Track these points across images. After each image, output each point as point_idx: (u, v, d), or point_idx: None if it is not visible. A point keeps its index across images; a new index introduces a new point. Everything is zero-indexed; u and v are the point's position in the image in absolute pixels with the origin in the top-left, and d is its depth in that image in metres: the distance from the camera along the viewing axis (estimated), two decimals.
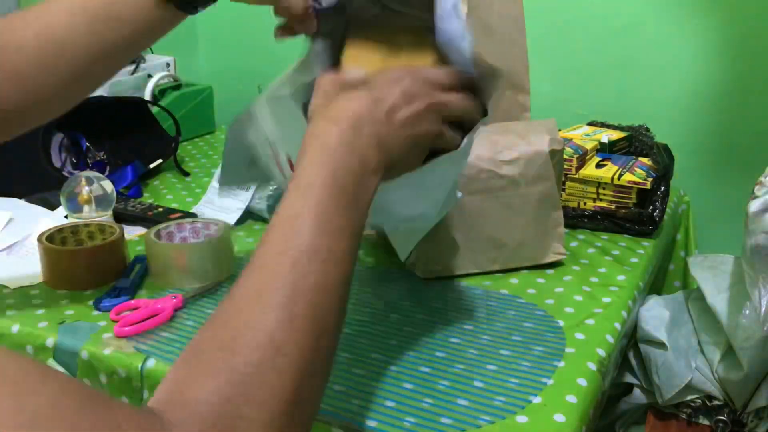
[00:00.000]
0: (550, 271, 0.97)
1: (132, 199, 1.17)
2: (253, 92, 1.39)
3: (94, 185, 1.02)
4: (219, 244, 0.92)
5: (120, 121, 1.33)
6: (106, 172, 1.25)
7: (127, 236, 0.98)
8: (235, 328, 0.47)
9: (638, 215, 1.07)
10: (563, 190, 1.11)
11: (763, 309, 0.90)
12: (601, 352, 0.79)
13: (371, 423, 0.67)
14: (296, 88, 0.68)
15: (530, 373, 0.74)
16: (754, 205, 0.92)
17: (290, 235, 0.51)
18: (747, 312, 0.94)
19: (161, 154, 1.33)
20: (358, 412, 0.69)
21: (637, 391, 1.06)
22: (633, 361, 1.06)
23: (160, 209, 1.12)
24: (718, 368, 0.97)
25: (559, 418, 0.68)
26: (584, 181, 1.12)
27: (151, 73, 1.48)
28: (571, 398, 0.71)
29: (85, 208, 1.01)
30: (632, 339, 1.04)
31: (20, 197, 1.17)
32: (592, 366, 0.76)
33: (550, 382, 0.73)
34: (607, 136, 1.22)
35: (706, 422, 1.00)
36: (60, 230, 0.94)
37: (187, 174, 1.34)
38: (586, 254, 1.02)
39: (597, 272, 0.97)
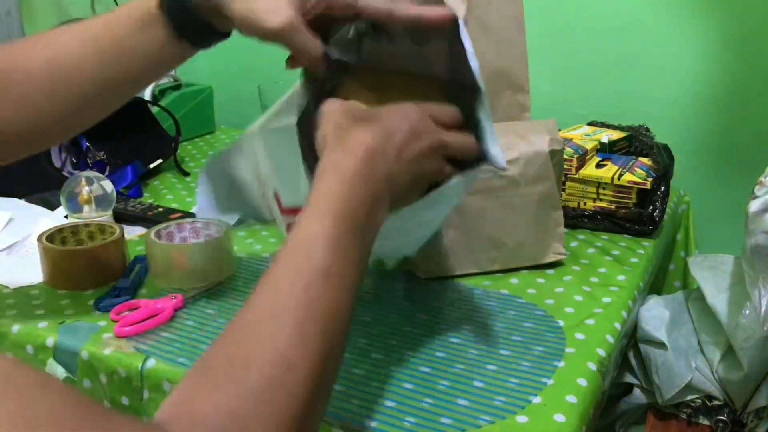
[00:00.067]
0: (550, 271, 0.97)
1: (132, 199, 1.17)
2: (253, 92, 1.40)
3: (94, 185, 1.02)
4: (219, 244, 0.92)
5: (120, 121, 1.32)
6: (106, 172, 1.25)
7: (127, 236, 0.98)
8: (247, 345, 0.48)
9: (638, 215, 1.07)
10: (563, 190, 1.11)
11: (763, 309, 0.90)
12: (601, 352, 0.79)
13: (371, 423, 0.67)
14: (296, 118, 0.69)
15: (530, 373, 0.74)
16: (754, 205, 0.92)
17: (304, 257, 0.52)
18: (747, 312, 0.94)
19: (161, 154, 1.33)
20: (358, 412, 0.69)
21: (637, 391, 1.06)
22: (633, 361, 1.06)
23: (160, 209, 1.12)
24: (718, 368, 0.97)
25: (559, 418, 0.68)
26: (584, 181, 1.12)
27: None
28: (571, 398, 0.71)
29: (85, 208, 1.01)
30: (632, 339, 1.04)
31: (20, 197, 1.17)
32: (592, 366, 0.76)
33: (550, 382, 0.73)
34: (607, 136, 1.22)
35: (706, 422, 1.00)
36: (60, 230, 0.94)
37: (187, 174, 1.34)
38: (586, 254, 1.02)
39: (597, 272, 0.97)
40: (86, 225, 0.96)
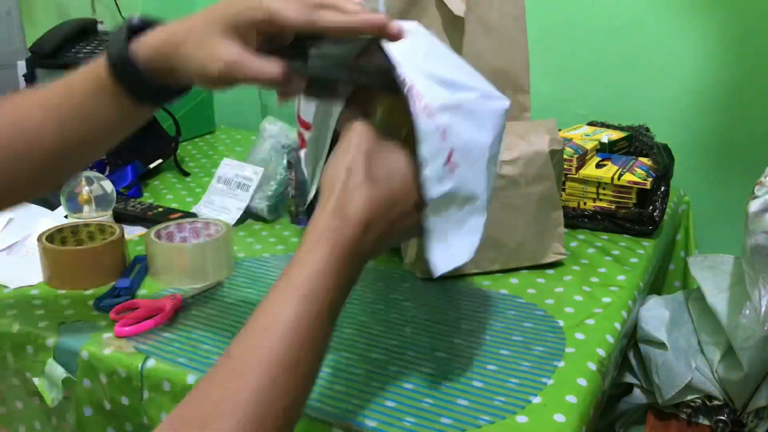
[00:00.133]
0: (550, 271, 0.97)
1: (132, 199, 1.17)
2: (253, 92, 1.40)
3: (94, 185, 1.02)
4: (219, 244, 0.92)
5: None
6: (106, 172, 1.25)
7: (127, 236, 0.98)
8: (214, 399, 0.48)
9: (638, 215, 1.07)
10: (563, 190, 1.11)
11: (763, 309, 0.90)
12: (601, 352, 0.79)
13: (371, 423, 0.67)
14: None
15: (530, 373, 0.74)
16: (754, 205, 0.92)
17: (277, 312, 0.52)
18: (747, 312, 0.94)
19: (161, 154, 1.33)
20: (358, 412, 0.69)
21: (637, 391, 1.06)
22: (633, 361, 1.06)
23: (160, 209, 1.12)
24: (718, 368, 0.97)
25: (559, 418, 0.68)
26: (584, 181, 1.12)
27: None
28: (571, 398, 0.71)
29: (85, 208, 1.01)
30: (632, 339, 1.04)
31: None
32: (592, 366, 0.76)
33: (550, 382, 0.73)
34: (607, 136, 1.22)
35: (706, 422, 1.00)
36: (60, 230, 0.94)
37: (187, 174, 1.34)
38: (586, 254, 1.02)
39: (597, 272, 0.97)
40: (86, 225, 0.96)
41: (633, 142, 1.24)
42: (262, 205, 1.12)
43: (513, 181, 0.93)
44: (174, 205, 1.17)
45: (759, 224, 0.91)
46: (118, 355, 0.77)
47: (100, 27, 1.54)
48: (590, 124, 1.31)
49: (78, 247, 0.93)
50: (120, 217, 1.07)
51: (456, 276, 0.94)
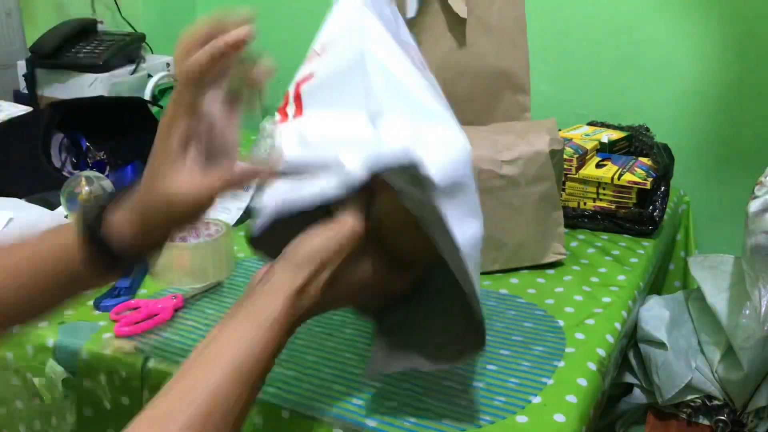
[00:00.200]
0: (550, 271, 0.97)
1: None
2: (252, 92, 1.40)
3: (94, 185, 1.02)
4: (219, 244, 0.92)
5: (120, 121, 1.33)
6: (106, 172, 1.25)
7: None
8: None
9: (638, 215, 1.07)
10: (563, 190, 1.11)
11: (763, 309, 0.90)
12: (601, 352, 0.79)
13: (371, 423, 0.67)
14: None
15: (530, 373, 0.74)
16: (754, 205, 0.92)
17: (202, 375, 0.52)
18: (747, 312, 0.94)
19: None
20: (358, 412, 0.69)
21: (637, 391, 1.06)
22: (633, 361, 1.06)
23: None
24: (718, 368, 0.97)
25: (559, 418, 0.68)
26: (584, 181, 1.11)
27: (151, 73, 1.48)
28: (571, 398, 0.71)
29: None
30: (632, 339, 1.04)
31: (20, 197, 1.16)
32: (592, 366, 0.76)
33: (550, 382, 0.73)
34: (607, 136, 1.22)
35: (706, 422, 1.00)
36: None
37: None
38: (586, 254, 1.02)
39: (597, 272, 0.97)
40: None
41: (633, 142, 1.24)
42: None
43: (513, 181, 0.93)
44: None
45: (759, 224, 0.91)
46: (118, 355, 0.77)
47: (100, 27, 1.54)
48: (590, 124, 1.31)
49: None
50: None
51: None
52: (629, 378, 1.06)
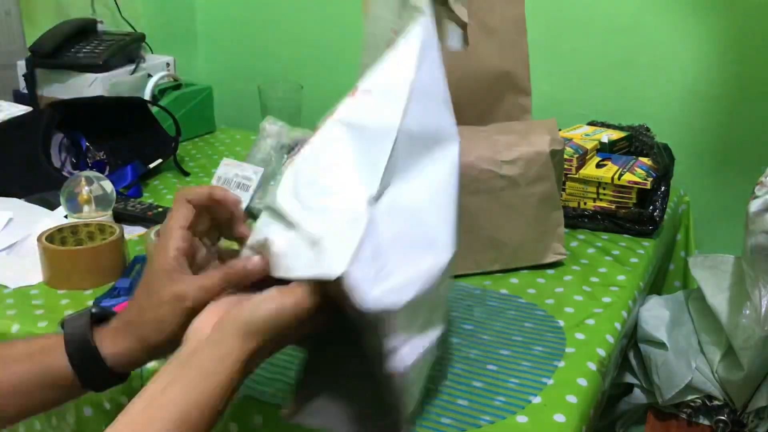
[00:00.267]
0: (550, 271, 0.97)
1: (132, 199, 1.17)
2: (253, 92, 1.40)
3: (94, 185, 1.02)
4: (219, 244, 0.92)
5: (120, 121, 1.33)
6: (106, 172, 1.25)
7: (127, 236, 0.98)
8: None
9: (638, 215, 1.07)
10: (563, 190, 1.11)
11: (763, 309, 0.90)
12: (601, 352, 0.79)
13: None
14: None
15: (530, 373, 0.74)
16: (754, 205, 0.92)
17: (158, 406, 0.51)
18: (747, 312, 0.94)
19: (161, 154, 1.33)
20: None
21: (637, 391, 1.06)
22: (633, 361, 1.06)
23: (160, 209, 1.12)
24: (718, 368, 0.97)
25: (559, 418, 0.68)
26: (584, 181, 1.12)
27: (151, 73, 1.48)
28: (571, 398, 0.71)
29: (85, 208, 1.01)
30: (632, 339, 1.04)
31: (20, 197, 1.17)
32: (592, 366, 0.76)
33: (550, 382, 0.73)
34: (607, 135, 1.22)
35: (706, 422, 1.00)
36: (60, 230, 0.94)
37: (187, 174, 1.34)
38: (586, 254, 1.02)
39: (597, 272, 0.97)
40: (86, 225, 0.96)
41: (633, 142, 1.24)
42: (262, 205, 1.12)
43: (513, 182, 0.93)
44: None
45: (759, 224, 0.91)
46: None
47: (100, 27, 1.54)
48: (590, 123, 1.31)
49: (78, 247, 0.93)
50: (120, 217, 1.07)
51: (456, 276, 0.94)
52: (629, 378, 1.06)
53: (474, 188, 0.91)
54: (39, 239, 0.92)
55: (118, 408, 0.78)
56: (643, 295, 1.02)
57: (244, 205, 1.11)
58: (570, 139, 1.18)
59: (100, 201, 1.02)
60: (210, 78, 1.72)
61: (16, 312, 0.87)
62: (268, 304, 0.54)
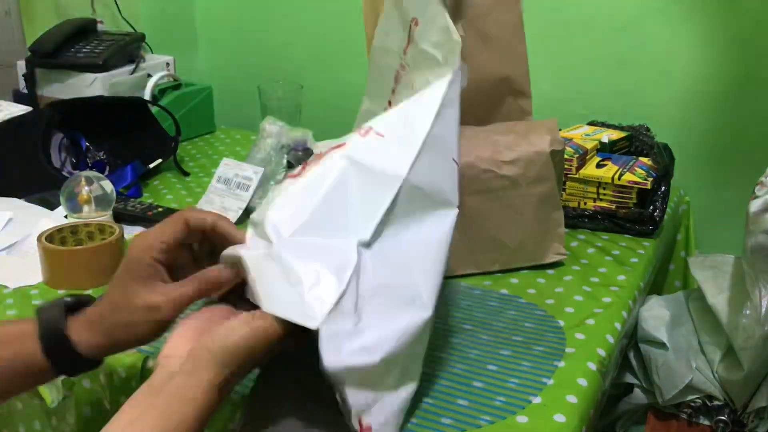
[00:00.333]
0: (550, 271, 0.96)
1: (132, 199, 1.17)
2: (253, 92, 1.40)
3: (94, 185, 1.02)
4: None
5: (120, 121, 1.33)
6: (106, 172, 1.25)
7: (127, 236, 0.98)
8: None
9: (638, 215, 1.07)
10: (563, 190, 1.11)
11: (763, 309, 0.90)
12: (602, 352, 0.79)
13: None
14: None
15: (530, 373, 0.74)
16: (754, 205, 0.92)
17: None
18: (747, 312, 0.94)
19: (161, 153, 1.33)
20: None
21: (637, 391, 1.06)
22: (633, 361, 1.06)
23: (160, 209, 1.12)
24: (719, 368, 0.97)
25: (560, 418, 0.68)
26: (584, 181, 1.11)
27: (151, 73, 1.48)
28: (572, 398, 0.71)
29: (85, 208, 1.01)
30: (632, 339, 1.04)
31: (20, 197, 1.17)
32: (593, 366, 0.76)
33: (551, 382, 0.73)
34: (607, 135, 1.22)
35: (706, 422, 1.00)
36: (60, 230, 0.94)
37: (187, 174, 1.34)
38: (586, 254, 1.02)
39: (597, 272, 0.97)
40: (86, 225, 0.96)
41: (633, 142, 1.24)
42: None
43: (513, 182, 0.93)
44: (174, 205, 1.17)
45: (759, 224, 0.91)
46: (118, 355, 0.77)
47: (100, 27, 1.54)
48: (590, 123, 1.31)
49: (78, 247, 0.93)
50: (120, 217, 1.07)
51: (456, 276, 0.94)
52: (629, 378, 1.06)
53: (474, 188, 0.91)
54: (39, 239, 0.92)
55: (118, 408, 0.78)
56: (644, 295, 1.02)
57: (244, 205, 1.11)
58: (570, 139, 1.17)
59: (100, 201, 1.02)
60: (210, 78, 1.72)
61: (16, 312, 0.87)
62: (241, 330, 0.53)
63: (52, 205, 1.12)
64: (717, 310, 0.98)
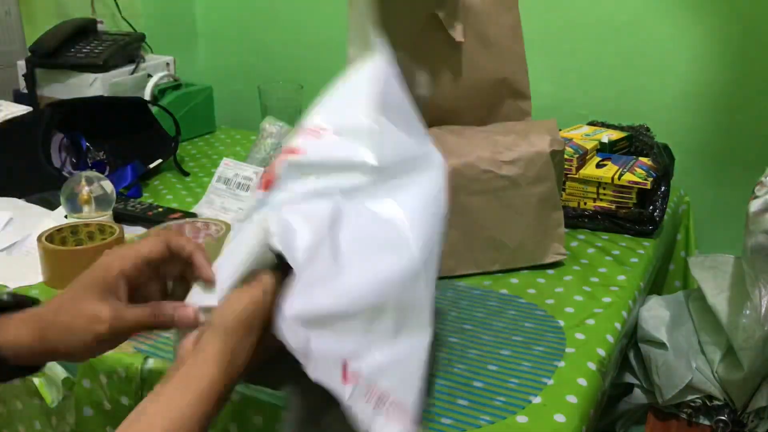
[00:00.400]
0: (550, 271, 0.96)
1: (132, 199, 1.17)
2: (253, 92, 1.40)
3: (94, 185, 1.02)
4: (219, 244, 0.92)
5: (120, 121, 1.33)
6: (106, 172, 1.25)
7: (127, 236, 0.98)
8: None
9: (638, 215, 1.07)
10: (563, 190, 1.11)
11: (763, 309, 0.90)
12: (602, 352, 0.79)
13: None
14: None
15: (530, 373, 0.74)
16: (754, 205, 0.92)
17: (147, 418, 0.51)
18: (747, 312, 0.94)
19: (161, 154, 1.33)
20: None
21: (637, 391, 1.06)
22: (633, 361, 1.06)
23: (160, 209, 1.12)
24: (719, 368, 0.97)
25: (560, 418, 0.68)
26: (584, 181, 1.11)
27: (151, 73, 1.48)
28: (572, 398, 0.71)
29: (85, 208, 1.01)
30: (632, 339, 1.04)
31: (20, 197, 1.17)
32: (593, 366, 0.76)
33: (551, 382, 0.73)
34: (607, 136, 1.22)
35: (706, 422, 1.00)
36: (60, 230, 0.94)
37: (187, 174, 1.34)
38: (586, 254, 1.02)
39: (597, 272, 0.97)
40: (86, 225, 0.96)
41: (633, 142, 1.24)
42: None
43: (514, 182, 0.93)
44: (174, 205, 1.17)
45: (759, 224, 0.91)
46: (118, 355, 0.77)
47: (99, 27, 1.54)
48: (590, 124, 1.31)
49: (78, 247, 0.93)
50: (120, 217, 1.07)
51: (456, 276, 0.94)
52: (629, 378, 1.06)
53: (474, 188, 0.91)
54: (39, 239, 0.92)
55: (118, 408, 0.78)
56: (643, 295, 1.02)
57: (243, 205, 1.11)
58: (570, 139, 1.17)
59: (100, 201, 1.02)
60: (210, 78, 1.72)
61: None
62: (237, 298, 0.54)
63: (52, 205, 1.12)
64: (717, 310, 0.98)
